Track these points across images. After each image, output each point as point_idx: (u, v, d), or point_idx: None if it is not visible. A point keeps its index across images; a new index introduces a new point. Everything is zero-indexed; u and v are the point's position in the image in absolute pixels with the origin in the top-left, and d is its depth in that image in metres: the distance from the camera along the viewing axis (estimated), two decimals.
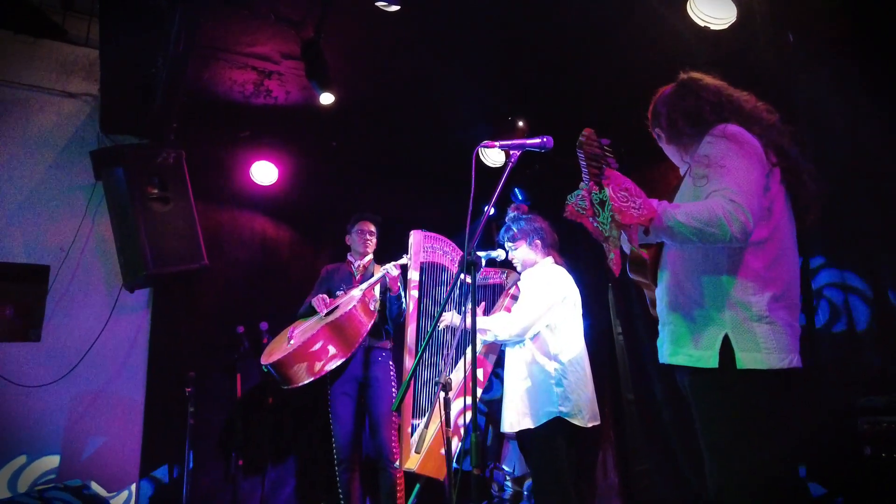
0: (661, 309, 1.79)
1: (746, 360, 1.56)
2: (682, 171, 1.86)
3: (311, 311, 3.56)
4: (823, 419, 2.88)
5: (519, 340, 2.78)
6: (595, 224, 1.50)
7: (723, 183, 1.54)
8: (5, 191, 3.85)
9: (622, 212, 1.45)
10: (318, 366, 3.22)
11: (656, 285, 1.83)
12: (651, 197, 1.56)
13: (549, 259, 2.93)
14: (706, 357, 1.61)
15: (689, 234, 1.51)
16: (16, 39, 4.00)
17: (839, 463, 2.82)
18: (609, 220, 1.46)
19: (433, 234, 2.99)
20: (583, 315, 2.95)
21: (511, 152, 2.15)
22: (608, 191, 1.46)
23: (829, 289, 3.01)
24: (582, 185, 1.53)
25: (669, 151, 1.90)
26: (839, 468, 2.83)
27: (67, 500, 3.14)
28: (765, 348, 1.56)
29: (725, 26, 2.79)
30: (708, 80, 1.82)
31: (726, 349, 1.58)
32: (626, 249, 1.81)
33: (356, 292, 3.40)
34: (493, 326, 2.79)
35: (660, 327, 1.81)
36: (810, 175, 1.72)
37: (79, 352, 3.83)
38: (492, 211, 2.14)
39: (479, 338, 2.86)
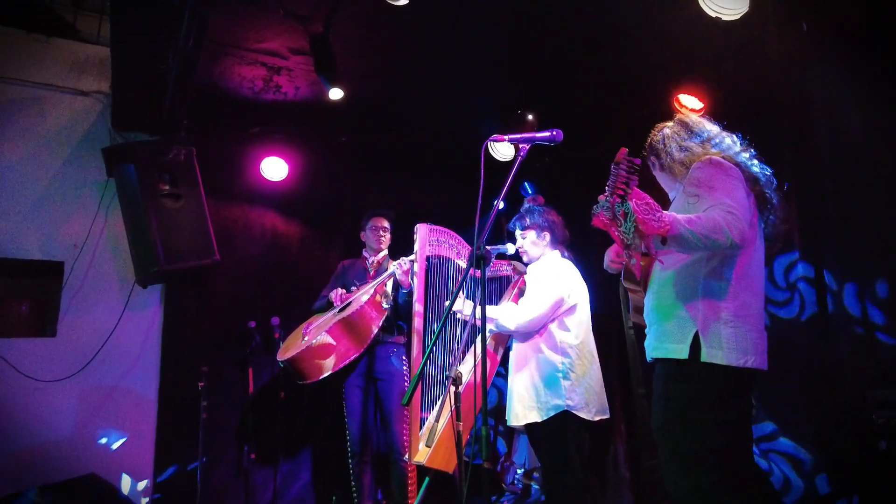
0: (648, 313, 2.05)
1: (709, 354, 1.82)
2: (670, 196, 2.17)
3: (327, 307, 3.59)
4: (837, 414, 2.86)
5: (526, 332, 2.77)
6: (620, 233, 1.65)
7: (716, 199, 1.81)
8: (20, 188, 3.90)
9: (645, 223, 1.62)
10: (331, 362, 3.25)
11: (644, 291, 2.09)
12: (657, 191, 1.73)
13: (557, 253, 2.93)
14: (679, 350, 1.88)
15: (697, 241, 1.71)
16: (28, 38, 4.03)
17: (853, 458, 2.79)
18: (632, 230, 1.61)
19: (439, 228, 2.99)
20: (594, 309, 2.94)
21: (520, 146, 2.15)
22: (631, 204, 1.61)
23: (841, 281, 2.98)
24: (605, 196, 1.67)
25: (661, 178, 2.18)
26: (853, 463, 2.80)
27: (87, 489, 3.19)
28: (726, 347, 1.82)
29: (737, 17, 2.75)
30: (702, 121, 2.13)
31: (696, 345, 1.84)
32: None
33: (368, 288, 3.42)
34: (500, 316, 2.79)
35: (647, 330, 2.06)
36: (780, 202, 2.01)
37: (93, 347, 3.87)
38: (501, 205, 2.13)
39: (487, 327, 2.86)
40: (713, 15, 2.76)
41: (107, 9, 3.90)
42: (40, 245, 3.91)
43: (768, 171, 2.03)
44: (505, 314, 2.79)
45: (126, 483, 3.85)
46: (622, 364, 4.17)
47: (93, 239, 4.01)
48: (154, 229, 3.59)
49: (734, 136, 2.09)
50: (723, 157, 1.97)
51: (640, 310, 2.16)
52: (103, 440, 3.85)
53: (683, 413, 1.85)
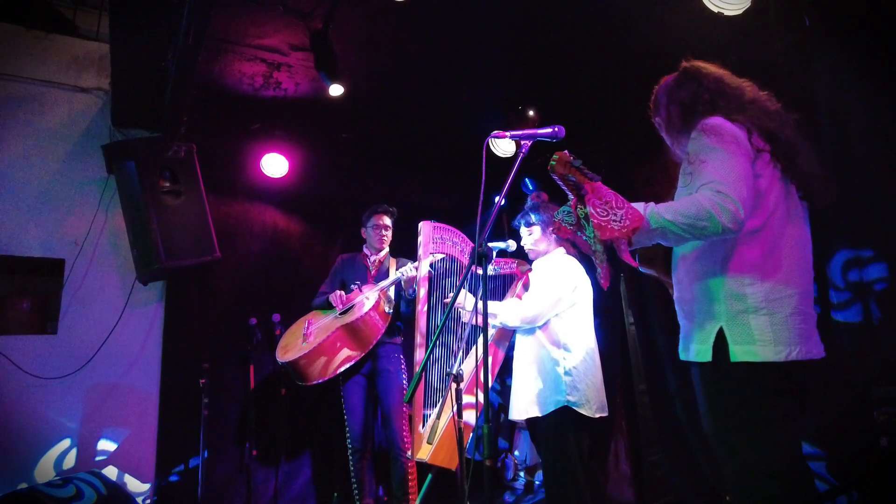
0: (676, 304, 1.81)
1: (739, 352, 1.57)
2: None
3: (327, 305, 3.58)
4: (838, 410, 2.85)
5: (528, 328, 2.78)
6: (584, 238, 1.53)
7: (707, 177, 1.55)
8: (20, 185, 3.89)
9: (601, 227, 1.47)
10: (332, 365, 3.27)
11: (670, 277, 1.85)
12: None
13: (561, 250, 2.93)
14: (702, 351, 1.64)
15: (680, 232, 1.52)
16: (28, 35, 4.02)
17: (854, 455, 2.79)
18: (594, 234, 1.48)
19: (443, 225, 2.99)
20: (595, 305, 2.94)
21: (522, 142, 2.13)
22: (589, 207, 1.48)
23: (847, 277, 2.97)
24: (570, 200, 1.56)
25: (669, 141, 1.93)
26: (854, 460, 2.80)
27: (90, 485, 3.20)
28: (759, 340, 1.56)
29: (739, 12, 2.74)
30: (710, 68, 1.82)
31: (721, 342, 1.59)
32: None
33: (371, 293, 3.40)
34: (502, 311, 2.80)
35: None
36: (805, 158, 1.70)
37: (94, 344, 3.88)
38: (503, 201, 2.12)
39: (490, 322, 2.87)
40: (715, 10, 2.74)
41: (106, 5, 3.88)
42: (41, 242, 3.91)
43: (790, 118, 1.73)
44: (508, 309, 2.79)
45: (128, 480, 3.85)
46: (624, 360, 4.18)
47: (93, 236, 4.01)
48: (155, 226, 3.59)
49: (751, 84, 1.78)
50: (735, 113, 1.67)
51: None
52: (105, 437, 3.86)
53: (729, 420, 1.58)
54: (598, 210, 1.47)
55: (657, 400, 3.98)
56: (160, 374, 4.03)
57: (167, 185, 3.70)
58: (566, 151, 1.57)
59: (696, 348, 1.66)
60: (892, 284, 2.78)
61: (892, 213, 2.76)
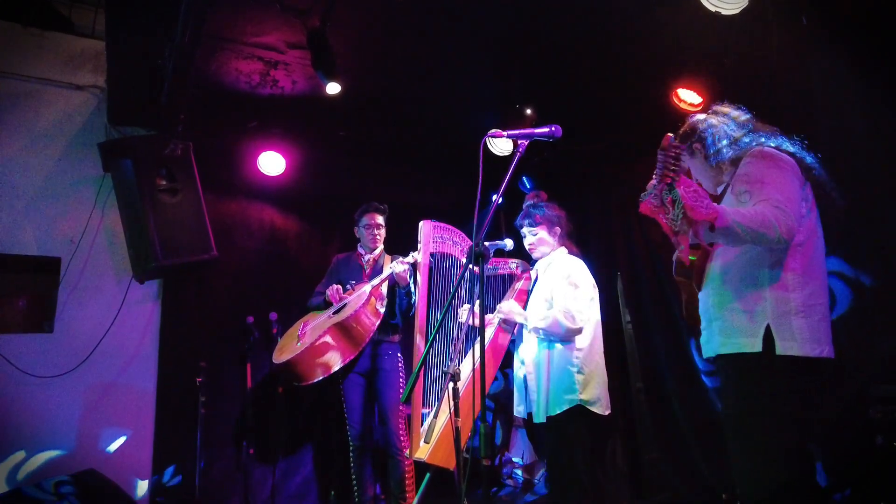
0: (708, 308, 2.01)
1: (785, 347, 1.81)
2: (703, 186, 2.07)
3: (323, 305, 3.58)
4: (834, 408, 2.86)
5: (575, 334, 2.73)
6: (668, 220, 1.68)
7: (765, 195, 1.80)
8: (16, 183, 3.88)
9: (694, 209, 1.62)
10: (326, 365, 3.26)
11: (699, 288, 2.06)
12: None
13: (564, 249, 2.93)
14: (751, 343, 1.85)
15: (745, 235, 1.73)
16: (24, 32, 4.00)
17: (850, 452, 2.80)
18: (680, 216, 1.64)
19: (443, 225, 2.98)
20: None
21: (519, 141, 2.14)
22: (679, 190, 1.62)
23: (841, 276, 2.98)
24: (652, 184, 1.69)
25: (699, 168, 2.13)
26: (850, 457, 2.81)
27: (81, 490, 3.20)
28: (800, 339, 1.80)
29: (737, 11, 2.74)
30: (737, 112, 2.09)
31: (768, 337, 1.82)
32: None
33: (365, 290, 3.40)
34: (543, 324, 2.72)
35: (704, 326, 2.04)
36: (835, 190, 1.99)
37: (91, 343, 3.87)
38: (500, 200, 2.13)
39: (526, 325, 2.84)
40: (712, 9, 2.74)
41: (102, 2, 3.87)
42: (37, 241, 3.89)
43: (817, 157, 1.99)
44: (548, 318, 2.71)
45: (125, 479, 3.84)
46: (621, 359, 4.19)
47: (89, 234, 4.00)
48: (151, 224, 3.58)
49: (777, 132, 2.04)
50: (775, 148, 1.94)
51: (690, 304, 2.12)
52: (102, 436, 3.85)
53: (762, 407, 1.82)
54: (690, 195, 1.62)
55: (654, 398, 3.99)
56: (157, 373, 4.03)
57: (164, 183, 3.69)
58: (671, 135, 1.69)
59: (743, 341, 1.87)
60: (887, 283, 2.80)
61: (891, 213, 2.78)
